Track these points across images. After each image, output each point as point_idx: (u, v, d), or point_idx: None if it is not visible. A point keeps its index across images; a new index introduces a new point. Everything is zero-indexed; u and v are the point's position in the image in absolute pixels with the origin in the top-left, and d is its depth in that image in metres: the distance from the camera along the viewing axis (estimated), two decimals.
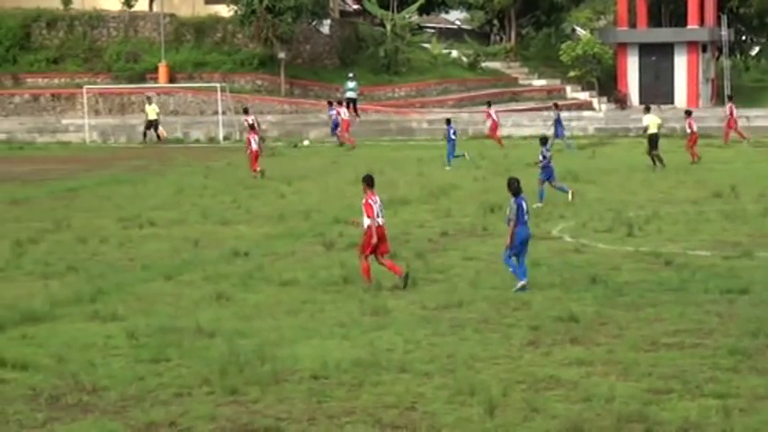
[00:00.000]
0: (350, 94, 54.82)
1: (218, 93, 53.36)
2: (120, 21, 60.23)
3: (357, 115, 54.65)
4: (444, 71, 63.96)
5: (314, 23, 59.72)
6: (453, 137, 38.98)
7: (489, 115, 48.65)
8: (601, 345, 14.84)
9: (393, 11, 63.10)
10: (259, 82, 58.29)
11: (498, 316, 16.65)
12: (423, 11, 70.67)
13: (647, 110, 40.11)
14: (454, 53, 67.75)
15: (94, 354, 14.55)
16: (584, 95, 63.89)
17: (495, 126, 48.02)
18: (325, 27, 61.02)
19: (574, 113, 54.19)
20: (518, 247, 18.39)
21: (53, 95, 57.13)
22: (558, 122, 45.83)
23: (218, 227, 26.39)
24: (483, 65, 66.42)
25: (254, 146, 36.89)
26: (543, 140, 29.59)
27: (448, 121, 40.32)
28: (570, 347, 14.72)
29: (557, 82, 65.92)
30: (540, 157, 28.86)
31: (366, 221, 18.75)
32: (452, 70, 64.86)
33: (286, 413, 12.18)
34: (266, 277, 19.72)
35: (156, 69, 57.56)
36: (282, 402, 12.54)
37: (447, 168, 37.89)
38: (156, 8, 60.63)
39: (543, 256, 21.10)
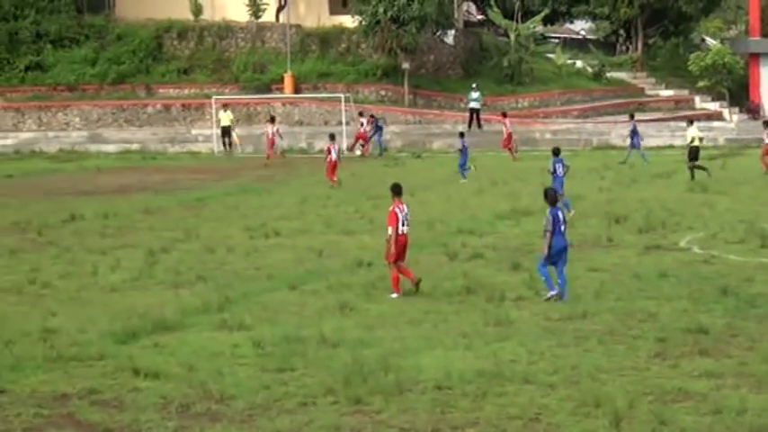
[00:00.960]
0: (473, 105, 54.82)
1: (342, 103, 53.78)
2: (247, 31, 61.19)
3: (480, 126, 54.60)
4: (568, 81, 63.52)
5: (438, 34, 59.84)
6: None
7: (505, 125, 48.64)
8: (732, 357, 14.58)
9: (517, 21, 62.87)
10: (383, 92, 58.61)
11: (624, 327, 16.48)
12: (547, 21, 70.26)
13: (691, 123, 39.63)
14: (579, 63, 67.25)
15: (222, 362, 14.78)
16: (713, 106, 62.82)
17: (509, 137, 47.87)
18: (450, 37, 61.10)
19: (703, 123, 53.27)
20: (554, 257, 18.46)
21: (183, 106, 58.26)
22: (634, 133, 44.76)
23: (342, 237, 26.59)
24: (608, 75, 65.78)
25: (334, 156, 37.45)
26: (556, 152, 29.94)
27: (461, 135, 39.73)
28: (699, 359, 14.50)
29: (685, 92, 64.93)
30: (553, 168, 29.22)
31: (389, 230, 19.20)
32: (577, 80, 64.38)
33: (409, 423, 12.22)
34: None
35: (281, 80, 58.32)
36: (406, 413, 12.58)
37: (462, 181, 37.29)
38: (282, 19, 61.46)
39: (671, 268, 20.82)
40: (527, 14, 64.72)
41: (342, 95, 54.37)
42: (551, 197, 18.82)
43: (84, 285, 20.74)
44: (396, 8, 55.63)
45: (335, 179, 37.11)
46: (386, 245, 19.46)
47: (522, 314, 17.54)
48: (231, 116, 52.89)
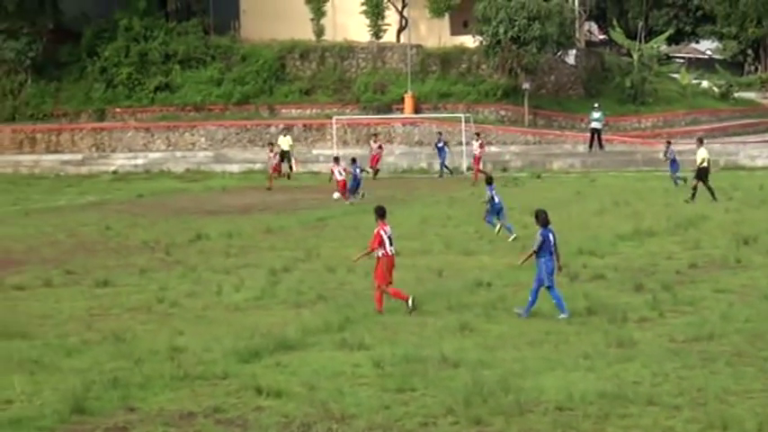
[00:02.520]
0: (595, 125, 54.35)
1: (463, 123, 53.81)
2: (368, 52, 61.65)
3: (601, 146, 54.08)
4: (694, 101, 62.61)
5: (559, 54, 59.55)
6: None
7: (482, 146, 48.59)
8: None
9: (640, 41, 62.23)
10: (503, 112, 58.48)
11: (753, 349, 16.13)
12: (671, 41, 69.48)
13: (701, 142, 38.97)
14: (704, 83, 66.24)
15: (343, 382, 14.86)
16: None
17: (478, 158, 47.93)
18: (571, 57, 60.76)
19: None
20: (550, 279, 18.76)
21: (305, 126, 58.88)
22: (671, 159, 43.81)
23: (461, 257, 26.56)
24: (736, 95, 64.62)
25: (339, 176, 39.10)
26: (489, 180, 30.64)
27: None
28: None
29: None
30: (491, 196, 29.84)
31: (379, 252, 19.67)
32: (703, 101, 63.41)
33: None
34: (509, 308, 19.71)
35: (401, 100, 58.58)
36: None
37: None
38: (403, 39, 61.78)
39: None
40: (651, 34, 64.08)
41: (462, 115, 54.42)
42: (542, 219, 19.01)
43: (209, 304, 21.08)
44: (516, 28, 55.52)
45: (346, 196, 38.82)
46: (358, 258, 20.43)
47: (646, 335, 17.30)
48: (290, 141, 53.80)
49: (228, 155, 58.03)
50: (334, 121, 56.15)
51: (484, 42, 57.38)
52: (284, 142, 53.69)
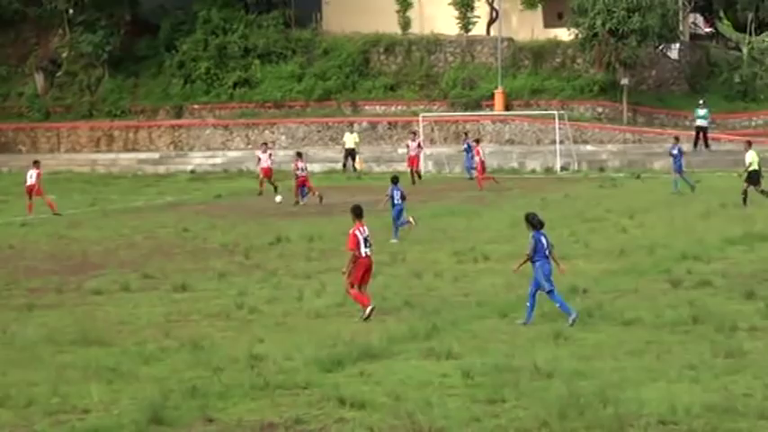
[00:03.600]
0: (700, 123, 53.70)
1: (556, 120, 53.51)
2: (457, 45, 61.57)
3: (707, 146, 53.42)
4: None
5: (661, 47, 58.94)
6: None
7: (478, 152, 47.28)
8: None
9: (750, 33, 61.29)
10: (599, 109, 58.04)
11: None
12: None
13: (749, 145, 38.21)
14: None
15: (430, 393, 14.84)
16: None
17: (482, 164, 46.86)
18: (674, 51, 60.09)
19: None
20: (548, 282, 19.15)
21: (390, 123, 58.94)
22: (677, 156, 42.68)
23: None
24: None
25: (301, 173, 41.41)
26: (394, 180, 31.99)
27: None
28: None
29: None
30: (391, 194, 31.13)
31: (352, 253, 20.13)
32: None
33: None
34: (606, 316, 19.56)
35: (491, 96, 58.41)
36: None
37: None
38: (493, 32, 61.59)
39: None
40: (762, 26, 62.98)
41: (556, 112, 54.12)
42: (535, 222, 19.57)
43: (289, 310, 21.21)
44: (615, 20, 55.05)
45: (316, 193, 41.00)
46: (347, 267, 20.37)
47: (757, 345, 17.06)
48: (356, 138, 54.40)
49: (309, 153, 58.26)
50: (420, 118, 56.16)
51: (580, 35, 56.98)
52: (349, 139, 54.24)
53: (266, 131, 60.21)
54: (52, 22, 66.01)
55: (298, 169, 42.21)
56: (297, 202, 41.44)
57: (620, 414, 13.37)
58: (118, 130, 62.51)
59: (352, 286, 20.33)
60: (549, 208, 37.47)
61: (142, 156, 60.67)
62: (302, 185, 42.10)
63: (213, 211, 39.80)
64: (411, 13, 62.72)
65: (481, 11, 61.88)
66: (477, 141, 49.63)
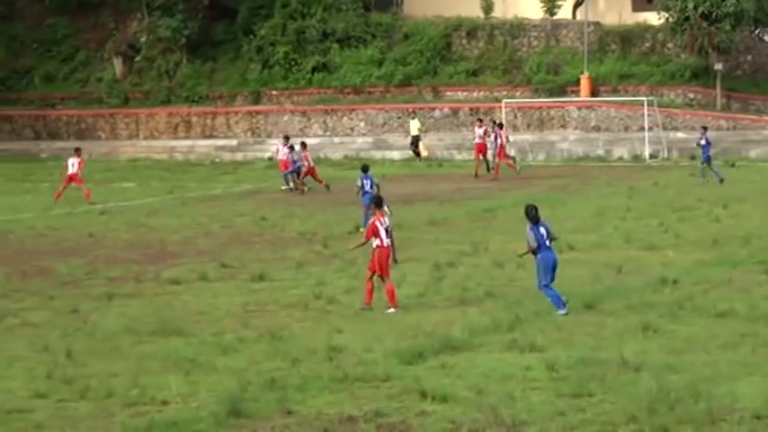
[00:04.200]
0: None
1: (645, 107, 53.00)
2: (541, 30, 61.20)
3: None
4: None
5: (757, 32, 58.07)
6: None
7: (501, 135, 46.81)
8: None
9: None
10: (691, 95, 57.35)
11: None
12: None
13: None
14: None
15: (513, 386, 14.82)
16: None
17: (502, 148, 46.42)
18: None
19: None
20: (551, 273, 19.50)
21: (471, 109, 58.78)
22: (705, 146, 42.15)
23: (643, 252, 26.23)
24: None
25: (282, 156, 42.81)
26: (364, 168, 32.38)
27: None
28: None
29: None
30: (361, 184, 31.51)
31: (375, 241, 20.31)
32: None
33: None
34: (698, 308, 19.39)
35: (577, 82, 57.99)
36: None
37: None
38: (579, 16, 61.12)
39: None
40: None
41: (644, 99, 53.58)
42: (532, 215, 19.77)
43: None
44: (708, 3, 54.31)
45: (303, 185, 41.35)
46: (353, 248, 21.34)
47: None
48: (419, 125, 54.77)
49: (389, 140, 58.40)
50: (503, 104, 55.93)
51: (670, 19, 56.30)
52: (413, 126, 54.35)
53: (345, 118, 60.31)
54: (131, 6, 66.76)
55: (305, 160, 42.89)
56: (302, 191, 42.25)
57: (713, 409, 13.26)
58: (196, 117, 63.03)
59: (371, 276, 20.48)
60: (636, 196, 37.24)
61: (220, 143, 61.13)
62: (309, 174, 42.86)
63: (291, 200, 40.04)
64: None
65: None
66: (501, 126, 49.34)
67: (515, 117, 57.09)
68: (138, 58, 66.00)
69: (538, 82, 58.96)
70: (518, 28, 61.42)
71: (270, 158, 56.84)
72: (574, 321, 18.86)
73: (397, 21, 63.55)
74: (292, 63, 62.99)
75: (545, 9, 60.99)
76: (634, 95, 55.56)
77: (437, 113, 58.79)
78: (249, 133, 61.94)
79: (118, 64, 66.52)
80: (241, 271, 25.02)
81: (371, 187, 31.65)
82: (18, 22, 69.66)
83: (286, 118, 61.17)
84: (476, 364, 15.96)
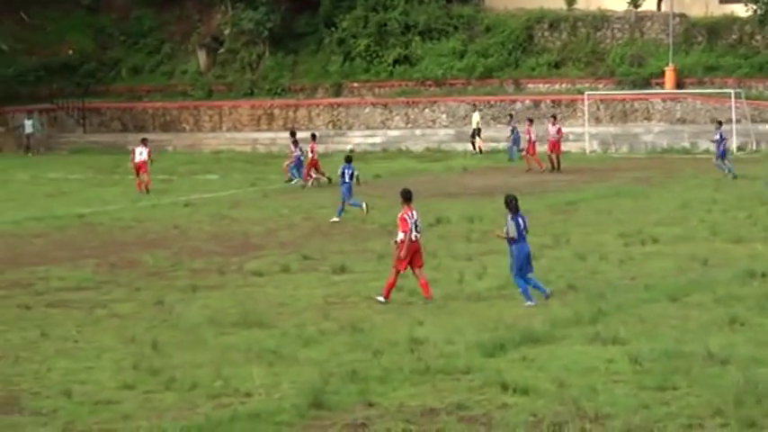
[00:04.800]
0: None
1: (733, 99, 52.32)
2: (625, 21, 60.66)
3: None
4: None
5: None
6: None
7: (530, 132, 46.59)
8: None
9: None
10: None
11: None
12: None
13: None
14: None
15: (596, 379, 14.74)
16: None
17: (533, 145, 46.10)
18: None
19: None
20: (524, 264, 19.93)
21: (553, 102, 58.44)
22: (719, 141, 41.60)
23: (730, 245, 25.94)
24: None
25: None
26: (348, 159, 34.16)
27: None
28: None
29: None
30: (341, 173, 33.14)
31: (400, 235, 20.48)
32: None
33: None
34: None
35: (661, 74, 57.40)
36: None
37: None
38: (664, 8, 60.45)
39: None
40: None
41: (731, 91, 52.88)
42: (512, 205, 20.16)
43: (449, 293, 21.28)
44: None
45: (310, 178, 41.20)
46: (395, 250, 20.79)
47: None
48: (478, 118, 54.97)
49: (470, 133, 58.18)
50: (585, 96, 55.53)
51: (759, 11, 55.52)
52: (474, 119, 54.34)
53: (426, 110, 60.24)
54: None
55: (312, 152, 43.02)
56: (304, 186, 42.38)
57: None
58: (278, 109, 63.35)
59: (397, 273, 20.64)
60: (723, 189, 36.81)
61: (301, 135, 61.26)
62: (313, 167, 43.08)
63: (372, 192, 40.04)
64: None
65: None
66: (531, 121, 49.23)
67: (598, 109, 56.65)
68: (221, 51, 66.53)
69: (621, 74, 58.42)
70: (601, 20, 60.92)
71: (351, 150, 56.85)
72: (658, 314, 18.73)
73: (478, 13, 63.36)
74: (374, 55, 63.05)
75: (629, 1, 60.39)
76: (721, 87, 54.85)
77: (518, 105, 58.48)
78: (330, 125, 62.10)
79: (202, 56, 67.09)
80: (322, 263, 25.12)
81: (351, 178, 33.21)
82: (105, 14, 70.61)
83: (367, 110, 61.25)
84: (557, 357, 15.90)
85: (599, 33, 60.89)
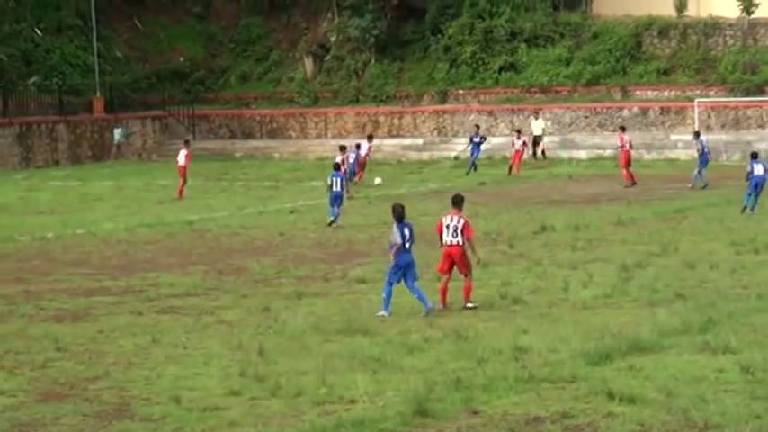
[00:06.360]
0: None
1: None
2: (737, 29, 59.83)
3: None
4: None
5: None
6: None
7: (622, 140, 44.63)
8: None
9: None
10: None
11: None
12: None
13: None
14: None
15: (705, 388, 14.54)
16: None
17: (626, 155, 43.93)
18: None
19: None
20: (399, 273, 20.11)
21: (662, 109, 57.81)
22: (702, 153, 41.61)
23: None
24: None
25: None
26: (336, 166, 35.32)
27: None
28: None
29: None
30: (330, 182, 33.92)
31: (453, 240, 20.57)
32: None
33: None
34: None
35: None
36: None
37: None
38: None
39: None
40: None
41: None
42: (398, 213, 20.41)
43: (554, 301, 21.14)
44: None
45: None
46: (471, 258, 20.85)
47: None
48: (543, 125, 54.76)
49: (576, 140, 57.87)
50: (696, 104, 54.85)
51: None
52: (536, 126, 53.83)
53: (531, 117, 59.96)
54: (322, 6, 67.86)
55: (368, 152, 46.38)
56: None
57: None
58: (383, 116, 63.54)
59: (443, 277, 20.90)
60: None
61: (406, 142, 61.48)
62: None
63: (476, 199, 39.89)
64: None
65: None
66: (623, 129, 48.43)
67: (709, 116, 55.91)
68: (327, 58, 66.95)
69: (733, 81, 57.61)
70: (713, 27, 60.14)
71: (456, 158, 56.88)
72: None
73: (586, 20, 62.97)
74: (479, 62, 62.98)
75: (742, 8, 59.49)
76: None
77: (625, 113, 57.98)
78: (435, 133, 62.13)
79: (308, 64, 67.60)
80: (426, 270, 25.09)
81: (339, 187, 33.91)
82: (215, 21, 71.54)
83: (472, 117, 61.12)
84: (665, 366, 15.70)
85: (710, 40, 60.13)
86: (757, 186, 34.02)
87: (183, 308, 21.66)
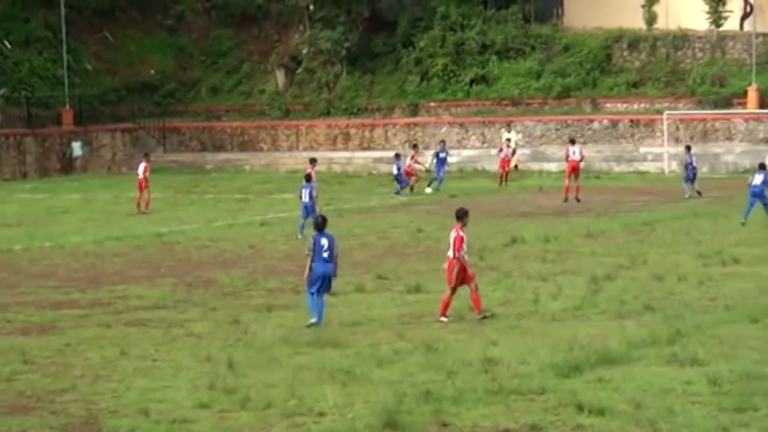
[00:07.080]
0: None
1: None
2: (706, 41, 60.18)
3: None
4: None
5: None
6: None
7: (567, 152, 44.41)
8: None
9: None
10: None
11: None
12: None
13: None
14: None
15: (673, 400, 14.61)
16: None
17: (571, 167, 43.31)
18: None
19: None
20: (315, 283, 20.26)
21: (632, 121, 58.09)
22: (689, 165, 42.87)
23: None
24: None
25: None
26: (307, 177, 35.16)
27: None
28: None
29: None
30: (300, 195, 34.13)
31: (452, 253, 20.66)
32: None
33: None
34: None
35: (744, 94, 56.81)
36: None
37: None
38: (747, 27, 59.85)
39: None
40: None
41: None
42: (318, 223, 20.82)
43: (524, 313, 21.20)
44: None
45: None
46: (446, 269, 20.92)
47: None
48: (515, 137, 56.00)
49: (547, 152, 58.05)
50: (665, 116, 55.13)
51: None
52: (510, 138, 54.56)
53: (502, 129, 60.07)
54: (293, 18, 67.86)
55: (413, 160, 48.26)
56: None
57: None
58: (354, 128, 63.58)
59: (453, 290, 20.85)
60: None
61: (377, 154, 61.51)
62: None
63: (447, 212, 39.88)
64: (657, 8, 61.40)
65: (733, 5, 60.17)
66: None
67: (677, 129, 56.21)
68: (299, 71, 66.95)
69: (702, 94, 57.93)
70: (682, 39, 60.48)
71: (427, 170, 56.91)
72: (737, 335, 18.53)
73: (556, 33, 63.20)
74: (451, 75, 63.12)
75: (711, 20, 59.86)
76: None
77: (595, 125, 58.21)
78: (407, 145, 62.12)
79: (280, 76, 67.58)
80: (396, 283, 25.14)
81: (308, 198, 33.86)
82: (185, 34, 71.43)
83: (444, 130, 61.25)
84: (633, 378, 15.77)
85: (679, 53, 60.47)
86: (755, 195, 34.25)
87: (152, 320, 21.60)
